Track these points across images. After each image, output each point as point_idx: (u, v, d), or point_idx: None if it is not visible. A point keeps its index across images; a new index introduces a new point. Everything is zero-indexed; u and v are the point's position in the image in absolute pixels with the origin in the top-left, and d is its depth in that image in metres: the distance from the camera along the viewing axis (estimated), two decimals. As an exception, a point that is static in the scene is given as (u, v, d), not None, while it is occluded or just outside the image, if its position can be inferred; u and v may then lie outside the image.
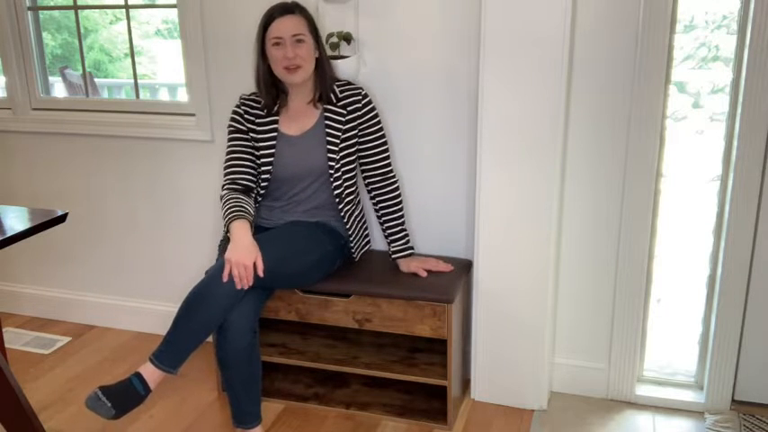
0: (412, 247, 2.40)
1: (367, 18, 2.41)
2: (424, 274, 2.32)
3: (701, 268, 2.42)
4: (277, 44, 2.20)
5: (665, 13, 2.11)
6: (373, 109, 2.34)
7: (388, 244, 2.40)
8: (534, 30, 2.11)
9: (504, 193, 2.27)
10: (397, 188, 2.40)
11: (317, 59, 2.26)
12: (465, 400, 2.51)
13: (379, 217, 2.41)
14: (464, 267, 2.43)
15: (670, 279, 2.68)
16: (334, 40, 2.39)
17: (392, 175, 2.40)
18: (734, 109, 2.19)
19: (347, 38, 2.41)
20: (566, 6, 2.07)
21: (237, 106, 2.35)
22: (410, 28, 2.38)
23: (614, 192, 2.31)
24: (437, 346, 2.47)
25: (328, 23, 2.44)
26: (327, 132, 2.29)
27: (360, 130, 2.33)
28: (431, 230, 2.56)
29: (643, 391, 2.47)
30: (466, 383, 2.56)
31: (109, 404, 1.99)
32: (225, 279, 2.04)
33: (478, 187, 2.30)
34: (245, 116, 2.32)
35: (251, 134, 2.32)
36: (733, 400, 2.40)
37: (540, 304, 2.33)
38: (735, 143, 2.18)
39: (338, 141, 2.29)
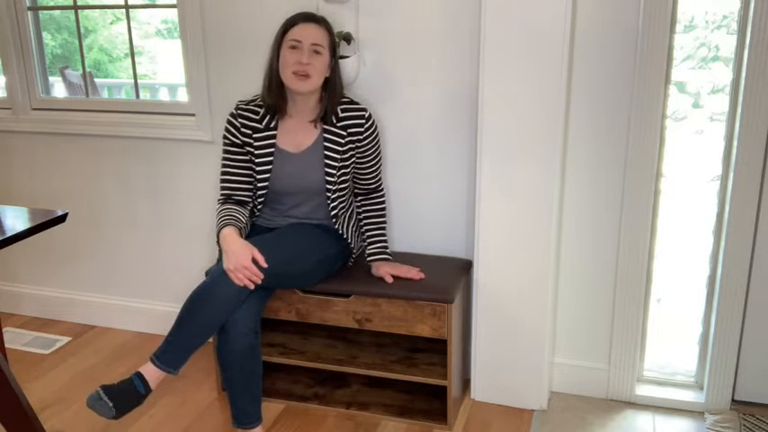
0: (389, 254, 2.38)
1: (367, 18, 2.41)
2: (390, 280, 2.29)
3: (701, 268, 2.42)
4: (294, 47, 2.15)
5: (665, 13, 2.11)
6: (374, 132, 2.28)
7: (366, 246, 2.38)
8: (534, 30, 2.11)
9: (504, 192, 2.27)
10: (383, 199, 2.41)
11: (327, 78, 2.21)
12: (465, 400, 2.51)
13: (360, 219, 2.41)
14: (464, 267, 2.43)
15: (670, 279, 2.68)
16: (335, 39, 2.38)
17: (382, 187, 2.42)
18: (734, 109, 2.19)
19: (347, 38, 2.41)
20: (566, 6, 2.07)
21: (233, 116, 2.26)
22: (410, 28, 2.38)
23: (614, 192, 2.31)
24: (437, 346, 2.47)
25: (328, 23, 2.44)
26: (326, 155, 2.24)
27: (358, 153, 2.29)
28: (431, 230, 2.56)
29: (643, 391, 2.47)
30: (466, 383, 2.56)
31: (111, 404, 1.98)
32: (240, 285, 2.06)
33: (478, 187, 2.30)
34: (242, 129, 2.25)
35: (247, 147, 2.27)
36: (733, 400, 2.40)
37: (540, 304, 2.33)
38: (735, 143, 2.18)
39: (337, 164, 2.25)
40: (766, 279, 2.29)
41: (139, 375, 2.04)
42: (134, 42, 2.87)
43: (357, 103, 2.28)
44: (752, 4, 2.06)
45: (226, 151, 2.30)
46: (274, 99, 2.22)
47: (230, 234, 2.14)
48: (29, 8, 2.89)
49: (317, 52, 2.15)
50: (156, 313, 2.99)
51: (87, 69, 3.05)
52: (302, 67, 2.13)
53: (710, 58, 2.37)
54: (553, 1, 2.07)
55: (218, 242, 2.17)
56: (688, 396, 2.44)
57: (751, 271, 2.28)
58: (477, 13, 2.27)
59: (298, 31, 2.15)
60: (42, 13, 3.00)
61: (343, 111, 2.25)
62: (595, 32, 2.20)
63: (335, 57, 2.23)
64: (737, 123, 2.16)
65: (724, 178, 2.27)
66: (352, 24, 2.43)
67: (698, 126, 2.53)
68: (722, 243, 2.27)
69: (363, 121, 2.25)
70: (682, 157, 2.47)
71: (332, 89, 2.22)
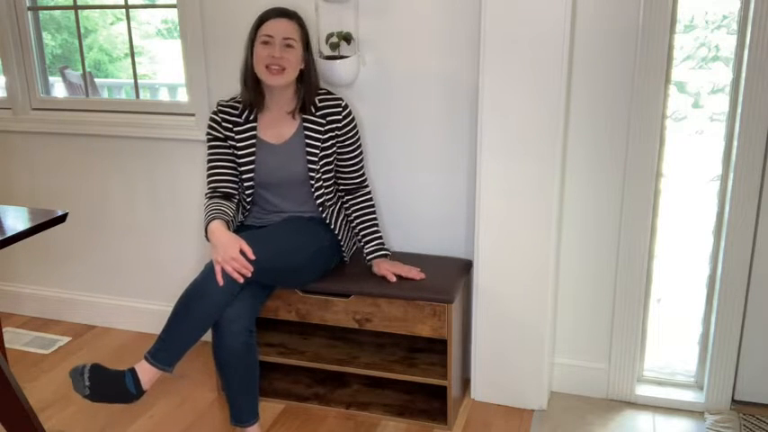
0: (387, 250, 2.39)
1: (367, 18, 2.41)
2: (393, 279, 2.29)
3: (701, 268, 2.42)
4: (266, 43, 2.20)
5: (665, 13, 2.11)
6: (352, 121, 2.33)
7: (362, 246, 2.39)
8: (534, 29, 2.11)
9: (504, 192, 2.27)
10: (370, 195, 2.42)
11: (302, 70, 2.25)
12: (465, 400, 2.51)
13: (351, 221, 2.41)
14: (464, 267, 2.43)
15: (670, 279, 2.67)
16: (334, 40, 2.38)
17: (366, 183, 2.42)
18: (734, 109, 2.19)
19: (347, 38, 2.41)
20: (566, 6, 2.07)
21: (214, 113, 2.32)
22: (410, 28, 2.38)
23: (614, 192, 2.31)
24: (437, 346, 2.47)
25: (328, 23, 2.44)
26: (307, 143, 2.28)
27: (338, 142, 2.32)
28: (431, 231, 2.56)
29: (643, 391, 2.47)
30: (466, 383, 2.56)
31: (87, 383, 1.99)
32: (221, 283, 2.05)
33: (478, 187, 2.30)
34: (223, 124, 2.29)
35: (229, 141, 2.30)
36: (733, 400, 2.40)
37: (540, 304, 2.33)
38: (735, 143, 2.18)
39: (318, 152, 2.28)
40: (766, 279, 2.29)
41: (133, 373, 2.03)
42: (134, 42, 2.87)
43: (333, 94, 2.33)
44: (752, 4, 2.06)
45: (210, 147, 2.33)
46: (251, 94, 2.26)
47: (218, 228, 2.15)
48: (29, 8, 2.89)
49: (289, 46, 2.20)
50: (156, 313, 2.99)
51: (87, 69, 3.05)
52: (275, 61, 2.18)
53: (710, 58, 2.37)
54: (553, 1, 2.07)
55: (206, 237, 2.17)
56: (688, 396, 2.44)
57: (751, 271, 2.28)
58: (477, 12, 2.27)
59: (270, 26, 2.20)
60: (42, 13, 3.00)
61: (321, 101, 2.29)
62: (595, 32, 2.20)
63: (309, 49, 2.28)
64: (737, 123, 2.16)
65: (724, 178, 2.27)
66: (352, 24, 2.43)
67: (698, 126, 2.52)
68: (722, 243, 2.27)
69: (341, 109, 2.29)
70: (682, 157, 2.47)
71: (307, 81, 2.27)
